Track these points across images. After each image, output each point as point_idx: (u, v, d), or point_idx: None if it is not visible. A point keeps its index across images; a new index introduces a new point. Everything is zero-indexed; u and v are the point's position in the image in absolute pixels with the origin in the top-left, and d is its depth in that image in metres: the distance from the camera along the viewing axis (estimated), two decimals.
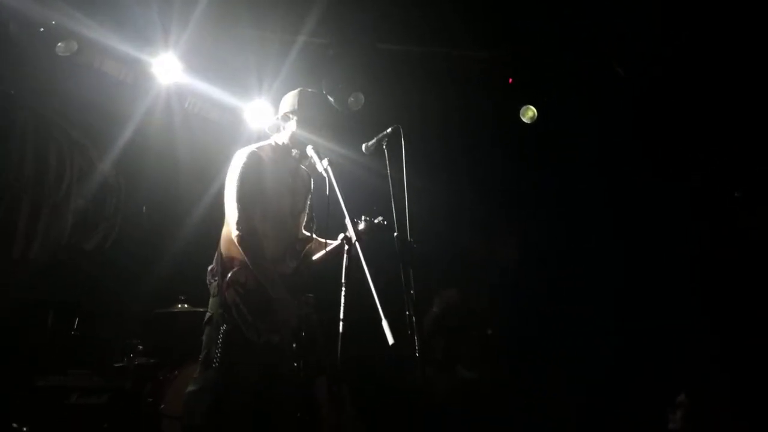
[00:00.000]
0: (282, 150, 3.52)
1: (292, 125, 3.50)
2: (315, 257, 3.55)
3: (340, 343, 2.98)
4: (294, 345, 5.08)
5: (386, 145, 3.46)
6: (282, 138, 3.55)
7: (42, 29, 5.02)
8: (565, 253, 6.35)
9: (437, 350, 6.15)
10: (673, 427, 3.82)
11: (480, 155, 6.46)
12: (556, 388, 5.85)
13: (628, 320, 5.81)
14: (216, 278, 3.32)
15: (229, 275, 3.22)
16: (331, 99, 5.68)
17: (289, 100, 3.55)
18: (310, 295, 3.44)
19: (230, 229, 3.33)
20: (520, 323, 6.22)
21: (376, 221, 3.48)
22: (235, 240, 3.23)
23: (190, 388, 3.22)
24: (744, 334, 5.08)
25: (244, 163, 3.34)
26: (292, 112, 3.51)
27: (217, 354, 3.10)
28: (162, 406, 4.59)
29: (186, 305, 5.13)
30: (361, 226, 3.44)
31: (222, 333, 3.14)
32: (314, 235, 3.57)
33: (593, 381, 5.66)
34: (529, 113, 5.85)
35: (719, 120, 5.67)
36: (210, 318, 3.28)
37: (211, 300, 3.34)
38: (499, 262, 6.74)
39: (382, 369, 5.54)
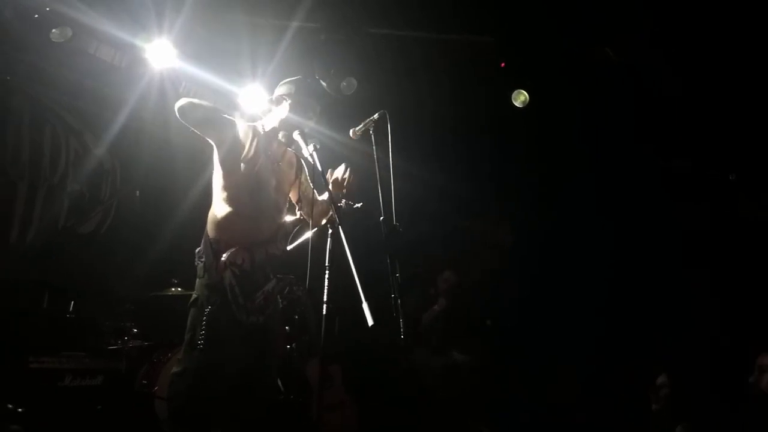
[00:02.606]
0: (270, 133, 3.52)
1: (284, 109, 3.46)
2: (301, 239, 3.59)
3: (323, 326, 3.02)
4: (287, 328, 5.15)
5: (373, 131, 3.45)
6: (271, 121, 3.52)
7: (36, 16, 5.03)
8: (559, 237, 6.38)
9: (433, 335, 6.19)
10: (656, 408, 3.85)
11: (473, 140, 6.47)
12: (550, 370, 5.91)
13: (620, 304, 5.86)
14: (202, 260, 3.33)
15: (226, 255, 3.22)
16: (323, 84, 5.71)
17: (287, 84, 3.53)
18: (291, 276, 3.46)
19: (214, 211, 3.38)
20: (514, 306, 6.27)
21: (355, 206, 3.51)
22: (177, 111, 3.25)
23: (174, 369, 3.25)
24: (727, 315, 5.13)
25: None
26: (288, 95, 3.47)
27: (201, 335, 3.12)
28: (155, 388, 4.66)
29: (179, 288, 5.17)
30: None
31: (206, 314, 3.16)
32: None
33: (586, 365, 5.72)
34: (521, 98, 5.85)
35: (715, 104, 5.66)
36: (195, 299, 3.29)
37: (197, 281, 3.35)
38: (494, 245, 6.78)
39: (376, 352, 5.59)
